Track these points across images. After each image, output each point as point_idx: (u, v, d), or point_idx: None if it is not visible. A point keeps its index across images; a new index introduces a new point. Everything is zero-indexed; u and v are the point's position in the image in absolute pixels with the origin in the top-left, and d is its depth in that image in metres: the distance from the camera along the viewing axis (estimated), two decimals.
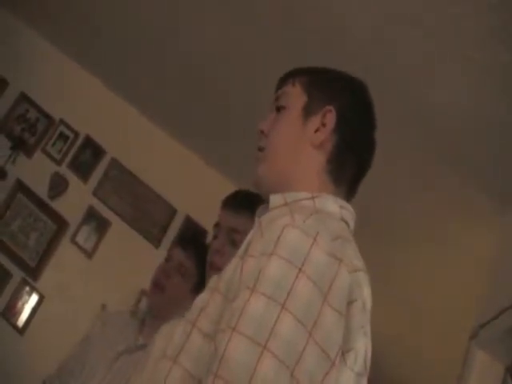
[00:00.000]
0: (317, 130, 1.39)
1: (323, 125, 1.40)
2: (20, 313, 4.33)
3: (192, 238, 2.97)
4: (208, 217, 4.27)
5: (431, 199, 3.08)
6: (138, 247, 4.39)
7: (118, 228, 4.47)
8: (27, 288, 4.39)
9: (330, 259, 1.09)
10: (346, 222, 1.31)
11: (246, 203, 1.96)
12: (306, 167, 1.38)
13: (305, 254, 1.07)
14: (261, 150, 1.45)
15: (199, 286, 2.33)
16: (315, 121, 1.40)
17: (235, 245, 1.91)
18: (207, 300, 1.20)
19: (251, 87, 3.52)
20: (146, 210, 4.48)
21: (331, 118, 1.40)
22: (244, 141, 3.93)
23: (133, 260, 4.29)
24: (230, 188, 4.21)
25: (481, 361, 2.53)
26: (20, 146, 4.76)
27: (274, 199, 1.32)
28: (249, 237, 1.23)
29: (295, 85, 1.47)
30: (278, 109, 1.47)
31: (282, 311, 1.02)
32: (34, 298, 4.35)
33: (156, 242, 4.40)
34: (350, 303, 1.11)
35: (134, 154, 4.63)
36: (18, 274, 4.45)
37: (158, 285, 2.51)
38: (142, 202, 4.50)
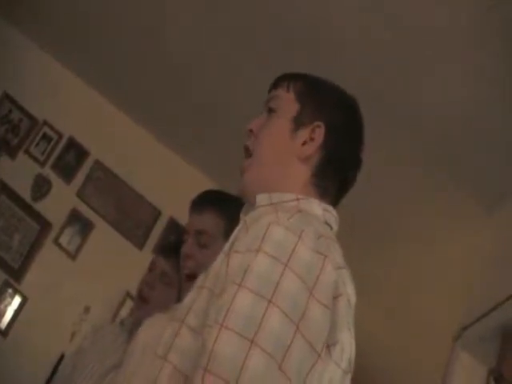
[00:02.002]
0: (304, 143, 1.40)
1: (311, 139, 1.40)
2: (3, 315, 4.31)
3: (174, 246, 2.97)
4: None
5: (418, 200, 3.09)
6: (122, 249, 4.38)
7: (102, 230, 4.46)
8: (10, 290, 4.37)
9: (315, 255, 1.11)
10: (329, 225, 1.33)
11: (209, 201, 2.02)
12: (291, 178, 1.39)
13: (290, 250, 1.09)
14: (247, 149, 1.45)
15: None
16: (304, 133, 1.41)
17: (203, 246, 1.94)
18: (194, 297, 1.21)
19: (236, 88, 3.53)
20: (129, 212, 4.47)
21: (320, 134, 1.40)
22: (229, 143, 3.95)
23: (117, 262, 4.28)
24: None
25: (464, 362, 2.54)
26: (3, 146, 4.74)
27: (260, 198, 1.34)
28: (234, 233, 1.25)
29: (289, 91, 1.47)
30: (269, 111, 1.47)
31: (269, 306, 1.04)
32: (16, 300, 4.33)
33: (140, 243, 4.40)
34: (335, 298, 1.13)
35: (117, 155, 4.62)
36: (0, 276, 4.43)
37: (141, 298, 2.51)
38: (126, 204, 4.49)
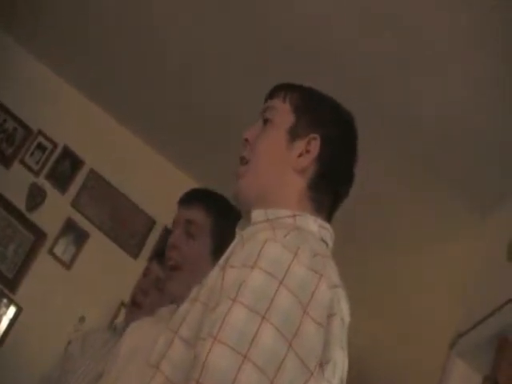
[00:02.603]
0: (300, 155, 1.41)
1: (307, 151, 1.41)
2: None
3: None
4: None
5: (412, 208, 3.11)
6: (117, 258, 4.38)
7: (97, 239, 4.45)
8: (5, 300, 4.34)
9: (310, 273, 1.12)
10: (325, 242, 1.34)
11: (197, 197, 2.04)
12: (287, 189, 1.39)
13: (286, 267, 1.10)
14: (243, 158, 1.46)
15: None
16: (300, 145, 1.42)
17: (191, 236, 1.94)
18: (188, 309, 1.22)
19: (235, 99, 3.54)
20: (124, 221, 4.47)
21: (315, 146, 1.41)
22: (226, 153, 3.96)
23: (112, 271, 4.28)
24: None
25: (459, 370, 2.55)
26: None
27: (256, 214, 1.34)
28: (230, 248, 1.26)
29: (285, 101, 1.48)
30: (265, 121, 1.48)
31: (262, 322, 1.05)
32: (11, 310, 4.31)
33: (134, 253, 4.39)
34: (329, 316, 1.14)
35: (112, 164, 4.61)
36: None
37: (135, 303, 2.55)
38: (121, 213, 4.49)
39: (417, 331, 3.04)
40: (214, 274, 1.22)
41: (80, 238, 4.45)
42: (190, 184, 4.35)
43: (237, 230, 1.41)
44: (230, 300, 1.07)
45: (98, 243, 4.44)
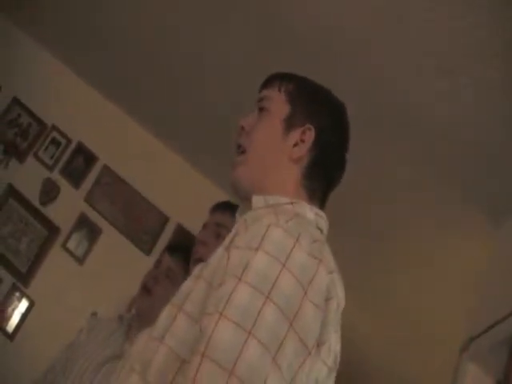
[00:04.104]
0: (295, 145, 1.48)
1: (302, 140, 1.48)
2: (10, 318, 4.33)
3: (180, 244, 3.04)
4: (200, 226, 4.31)
5: (424, 211, 3.11)
6: (130, 255, 4.39)
7: (110, 235, 4.47)
8: (17, 294, 4.38)
9: (310, 259, 1.18)
10: (321, 230, 1.40)
11: (230, 206, 2.17)
12: (283, 177, 1.46)
13: (288, 252, 1.16)
14: (240, 146, 1.52)
15: None
16: (295, 135, 1.48)
17: (220, 238, 2.04)
18: (192, 286, 1.27)
19: (244, 98, 3.54)
20: (137, 218, 4.48)
21: (310, 136, 1.48)
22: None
23: (124, 267, 4.28)
24: (222, 198, 4.26)
25: (471, 374, 2.55)
26: (12, 150, 4.77)
27: (256, 200, 1.40)
28: (233, 230, 1.31)
29: (280, 91, 1.54)
30: (261, 109, 1.54)
31: (266, 301, 1.10)
32: (24, 304, 4.34)
33: (147, 249, 4.40)
34: (327, 300, 1.20)
35: (126, 161, 4.64)
36: (8, 280, 4.45)
37: (145, 288, 2.60)
38: (134, 210, 4.50)
39: (428, 334, 3.05)
40: (219, 254, 1.27)
41: (93, 233, 4.47)
42: (204, 183, 4.40)
43: (237, 215, 1.49)
44: (236, 279, 1.13)
45: (111, 239, 4.46)
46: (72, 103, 4.81)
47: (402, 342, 3.34)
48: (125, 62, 4.20)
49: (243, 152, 1.50)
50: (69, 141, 4.75)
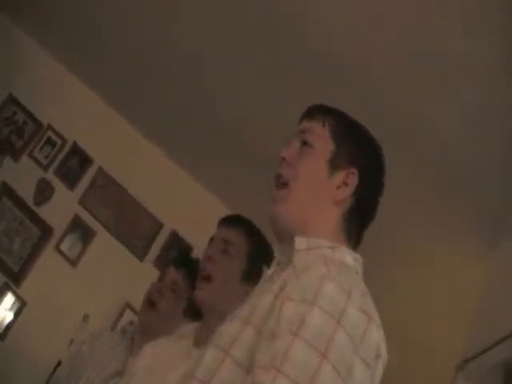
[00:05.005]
0: (339, 187, 1.45)
1: (345, 183, 1.45)
2: (1, 318, 4.32)
3: (186, 259, 3.04)
4: (194, 233, 4.35)
5: (423, 231, 3.16)
6: (123, 259, 4.41)
7: (103, 238, 4.49)
8: (9, 293, 4.37)
9: (361, 315, 1.18)
10: (358, 274, 1.39)
11: (240, 222, 2.12)
12: (324, 219, 1.44)
13: (342, 308, 1.16)
14: (280, 177, 1.48)
15: (190, 309, 2.40)
16: (339, 177, 1.45)
17: (227, 254, 2.02)
18: (239, 331, 1.27)
19: (240, 104, 3.59)
20: (131, 222, 4.50)
21: (354, 180, 1.45)
22: (237, 163, 4.02)
23: (117, 271, 4.30)
24: (217, 206, 4.32)
25: None
26: (7, 148, 4.75)
27: (299, 242, 1.39)
28: (283, 276, 1.30)
29: (325, 126, 1.50)
30: (304, 143, 1.50)
31: (322, 360, 1.11)
32: (15, 304, 4.34)
33: (141, 254, 4.42)
34: (376, 357, 1.21)
35: (121, 165, 4.65)
36: (0, 278, 4.43)
37: (150, 301, 2.54)
38: (128, 214, 4.52)
39: (423, 352, 3.10)
40: (268, 300, 1.25)
41: (87, 235, 4.48)
42: (199, 191, 4.43)
43: (276, 255, 1.52)
44: (292, 334, 1.13)
45: (105, 242, 4.47)
46: (69, 104, 4.80)
47: (399, 359, 3.39)
48: (125, 68, 4.22)
49: (285, 185, 1.46)
50: (64, 141, 4.75)
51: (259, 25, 3.00)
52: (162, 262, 4.29)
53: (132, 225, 4.49)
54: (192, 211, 4.37)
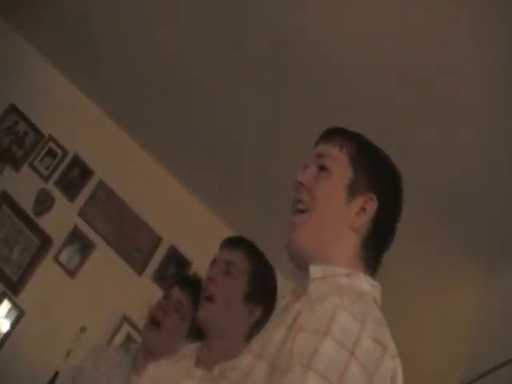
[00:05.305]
0: (357, 213, 1.44)
1: (363, 209, 1.45)
2: None
3: (191, 278, 3.07)
4: (192, 248, 4.39)
5: (425, 258, 3.21)
6: (122, 272, 4.43)
7: (102, 251, 4.50)
8: (7, 302, 4.37)
9: (376, 345, 1.18)
10: (376, 301, 1.39)
11: (240, 242, 2.17)
12: (342, 246, 1.43)
13: (355, 338, 1.16)
14: (298, 201, 1.48)
15: (193, 329, 2.43)
16: (357, 203, 1.45)
17: (229, 275, 2.07)
18: (251, 365, 1.28)
19: (246, 127, 3.64)
20: (131, 236, 4.52)
21: (372, 207, 1.45)
22: (236, 182, 4.07)
23: (115, 285, 4.32)
24: (216, 222, 4.36)
25: None
26: (7, 157, 4.76)
27: (314, 270, 1.39)
28: (297, 307, 1.30)
29: (342, 151, 1.49)
30: (321, 167, 1.48)
31: None
32: (13, 313, 4.33)
33: (139, 268, 4.44)
34: None
35: (122, 178, 4.68)
36: None
37: (154, 320, 2.56)
38: (128, 228, 4.54)
39: (422, 376, 3.15)
40: (281, 333, 1.26)
41: (86, 247, 4.50)
42: (198, 207, 4.47)
43: (290, 282, 1.47)
44: (303, 366, 1.12)
45: (104, 255, 4.49)
46: (70, 116, 4.82)
47: None
48: (127, 80, 4.27)
49: (303, 211, 1.46)
50: (65, 152, 4.76)
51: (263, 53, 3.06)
52: (160, 277, 4.32)
53: (131, 239, 4.51)
54: (191, 228, 4.42)
